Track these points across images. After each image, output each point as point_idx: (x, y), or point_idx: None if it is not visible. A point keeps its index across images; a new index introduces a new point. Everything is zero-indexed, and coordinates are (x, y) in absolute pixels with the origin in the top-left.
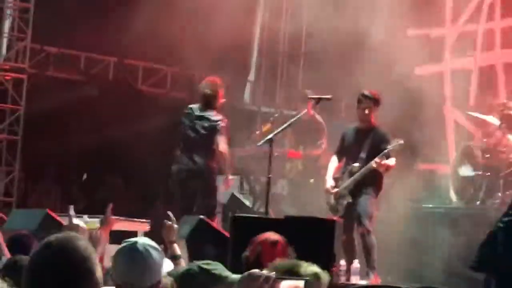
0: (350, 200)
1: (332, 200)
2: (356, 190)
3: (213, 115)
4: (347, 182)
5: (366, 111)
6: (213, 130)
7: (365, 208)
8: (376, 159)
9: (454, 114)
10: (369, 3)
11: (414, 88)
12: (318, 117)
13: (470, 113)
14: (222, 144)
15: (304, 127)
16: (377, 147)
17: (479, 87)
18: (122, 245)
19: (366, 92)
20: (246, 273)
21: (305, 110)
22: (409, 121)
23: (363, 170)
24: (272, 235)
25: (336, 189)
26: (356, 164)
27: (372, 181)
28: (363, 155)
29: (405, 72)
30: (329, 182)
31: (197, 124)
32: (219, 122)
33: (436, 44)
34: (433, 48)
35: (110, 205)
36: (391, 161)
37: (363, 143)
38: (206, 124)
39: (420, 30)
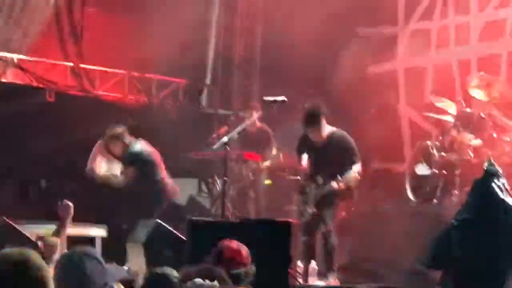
0: (315, 210)
1: (301, 206)
2: (321, 201)
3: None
4: (312, 195)
5: (317, 131)
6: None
7: (329, 211)
8: (335, 183)
9: (409, 112)
10: (322, 4)
11: (367, 87)
12: (264, 126)
13: (426, 113)
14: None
15: (251, 137)
16: (341, 156)
17: (434, 85)
18: (59, 256)
19: (310, 111)
20: (190, 282)
21: (253, 118)
22: (363, 120)
23: (325, 188)
24: (232, 244)
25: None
26: (320, 178)
27: (336, 192)
28: (327, 167)
29: (359, 71)
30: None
31: None
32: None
33: (389, 43)
34: (386, 47)
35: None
36: (351, 180)
37: (325, 152)
38: None
39: (372, 29)
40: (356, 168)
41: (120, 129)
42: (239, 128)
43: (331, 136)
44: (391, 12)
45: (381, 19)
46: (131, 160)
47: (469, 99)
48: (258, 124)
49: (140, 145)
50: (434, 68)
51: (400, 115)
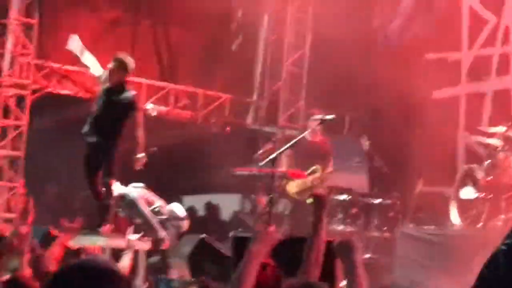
0: None
1: None
2: None
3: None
4: None
5: None
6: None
7: None
8: None
9: (467, 138)
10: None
11: (431, 111)
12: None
13: (474, 137)
14: None
15: (313, 151)
16: None
17: (493, 111)
18: None
19: None
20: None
21: (309, 131)
22: (421, 143)
23: None
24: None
25: None
26: None
27: None
28: None
29: (423, 95)
30: None
31: None
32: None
33: (453, 68)
34: (450, 72)
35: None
36: None
37: None
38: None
39: (439, 54)
40: None
41: None
42: (287, 145)
43: None
44: (456, 37)
45: (446, 45)
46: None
47: None
48: (320, 136)
49: None
50: (493, 94)
51: (458, 140)
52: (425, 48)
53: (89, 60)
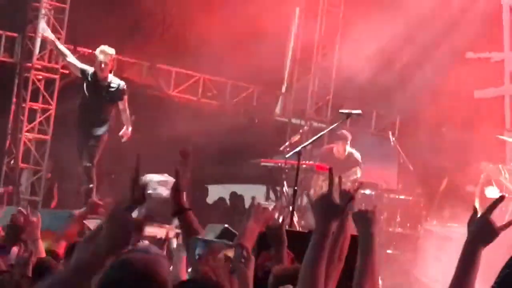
0: None
1: None
2: None
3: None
4: None
5: None
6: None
7: None
8: None
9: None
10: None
11: (472, 111)
12: (354, 152)
13: (501, 136)
14: None
15: (340, 163)
16: None
17: None
18: None
19: None
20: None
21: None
22: (465, 143)
23: None
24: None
25: None
26: None
27: None
28: None
29: (464, 93)
30: None
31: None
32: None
33: (496, 69)
34: (493, 72)
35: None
36: None
37: None
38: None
39: (480, 54)
40: None
41: None
42: (313, 138)
43: None
44: (497, 38)
45: (488, 45)
46: None
47: None
48: (348, 149)
49: None
50: None
51: (504, 141)
52: (465, 47)
53: (63, 47)
